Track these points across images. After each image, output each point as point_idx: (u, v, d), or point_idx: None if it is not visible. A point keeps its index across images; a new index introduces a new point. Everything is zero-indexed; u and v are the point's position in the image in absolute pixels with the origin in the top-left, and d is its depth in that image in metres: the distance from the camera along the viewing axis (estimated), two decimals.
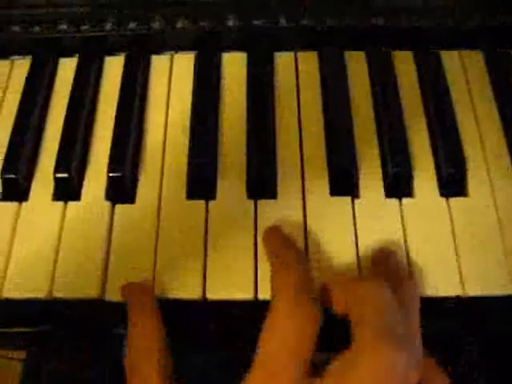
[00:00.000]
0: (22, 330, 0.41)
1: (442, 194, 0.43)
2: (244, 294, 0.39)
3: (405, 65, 0.49)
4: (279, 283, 0.35)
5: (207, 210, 0.42)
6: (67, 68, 0.50)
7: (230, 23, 0.49)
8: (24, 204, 0.44)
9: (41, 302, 0.40)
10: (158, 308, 0.38)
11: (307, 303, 0.34)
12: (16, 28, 0.49)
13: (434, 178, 0.44)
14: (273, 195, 0.43)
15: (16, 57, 0.51)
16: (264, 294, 0.39)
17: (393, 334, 0.31)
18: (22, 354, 1.10)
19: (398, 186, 0.43)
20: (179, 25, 0.49)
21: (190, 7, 0.49)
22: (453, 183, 0.44)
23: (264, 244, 0.41)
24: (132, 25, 0.49)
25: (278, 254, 0.39)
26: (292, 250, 0.39)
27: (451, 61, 0.50)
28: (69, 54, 0.51)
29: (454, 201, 0.43)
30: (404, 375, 0.31)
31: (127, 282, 0.40)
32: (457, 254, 0.41)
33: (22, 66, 0.50)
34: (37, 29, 0.50)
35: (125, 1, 0.49)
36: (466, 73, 0.49)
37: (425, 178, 0.44)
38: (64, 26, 0.49)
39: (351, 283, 0.36)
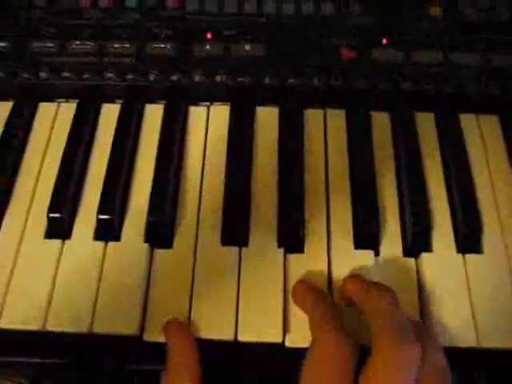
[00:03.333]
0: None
1: (458, 251, 0.46)
2: (273, 338, 0.42)
3: (426, 126, 0.53)
4: (318, 325, 0.39)
5: (240, 257, 0.45)
6: (110, 113, 0.53)
7: (266, 80, 0.52)
8: (66, 242, 0.47)
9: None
10: (196, 346, 0.41)
11: (346, 342, 0.37)
12: (65, 74, 0.53)
13: (452, 235, 0.47)
14: (301, 247, 0.46)
15: (62, 100, 0.55)
16: (292, 339, 0.42)
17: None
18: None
19: (417, 243, 0.46)
20: (217, 79, 0.52)
21: (228, 63, 0.53)
22: (469, 242, 0.47)
23: (294, 296, 0.44)
24: (174, 77, 0.53)
25: (314, 307, 0.41)
26: (326, 301, 0.42)
27: (469, 124, 0.53)
28: (112, 100, 0.54)
29: (469, 257, 0.46)
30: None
31: (165, 320, 0.42)
32: (472, 307, 0.44)
33: (67, 109, 0.54)
34: (85, 76, 0.53)
35: (167, 55, 0.53)
36: (482, 135, 0.53)
37: (443, 235, 0.47)
38: (110, 75, 0.53)
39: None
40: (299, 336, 0.42)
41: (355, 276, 0.44)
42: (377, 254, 0.46)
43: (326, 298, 0.42)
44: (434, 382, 0.37)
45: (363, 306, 0.40)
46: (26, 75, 0.54)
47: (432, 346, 0.38)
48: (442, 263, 0.46)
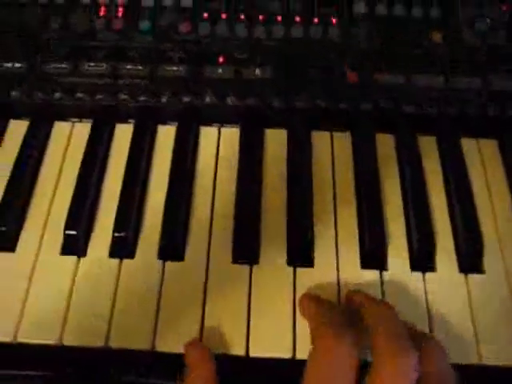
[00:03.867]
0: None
1: (461, 270, 0.48)
2: (283, 353, 0.44)
3: (429, 148, 0.55)
4: (317, 328, 0.41)
5: (251, 274, 0.47)
6: (124, 133, 0.55)
7: (275, 103, 0.54)
8: (82, 259, 0.48)
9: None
10: (213, 361, 0.42)
11: (346, 341, 0.38)
12: (80, 94, 0.55)
13: (454, 255, 0.49)
14: (310, 264, 0.48)
15: (76, 120, 0.56)
16: (302, 354, 0.43)
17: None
18: None
19: (422, 261, 0.48)
20: (228, 101, 0.54)
21: (238, 86, 0.55)
22: (471, 261, 0.48)
23: (300, 307, 0.45)
24: (186, 98, 0.54)
25: (315, 313, 0.43)
26: (331, 309, 0.44)
27: (470, 148, 0.55)
28: (125, 121, 0.56)
29: (471, 277, 0.48)
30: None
31: (177, 336, 0.44)
32: (474, 325, 0.45)
33: (81, 129, 0.55)
34: (99, 96, 0.55)
35: (179, 77, 0.55)
36: (482, 159, 0.55)
37: (446, 255, 0.49)
38: (124, 96, 0.55)
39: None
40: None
41: (359, 292, 0.45)
42: (384, 269, 0.48)
43: (330, 307, 0.43)
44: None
45: (364, 313, 0.42)
46: (40, 95, 0.56)
47: (435, 354, 0.40)
48: (445, 282, 0.47)
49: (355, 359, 0.38)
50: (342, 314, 0.43)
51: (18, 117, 0.56)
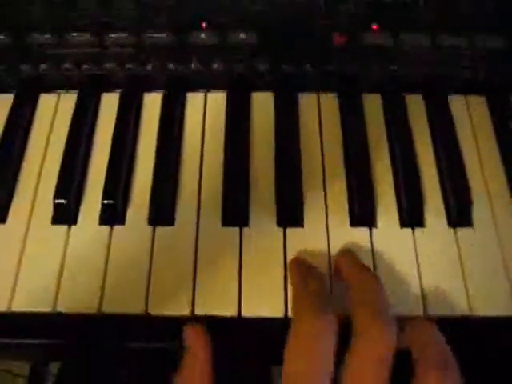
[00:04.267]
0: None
1: (450, 225, 0.49)
2: (275, 312, 0.44)
3: (416, 107, 0.55)
4: (299, 297, 0.41)
5: (241, 236, 0.47)
6: (110, 102, 0.55)
7: (261, 67, 0.54)
8: (73, 227, 0.48)
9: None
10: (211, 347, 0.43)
11: (325, 311, 0.39)
12: (66, 65, 0.54)
13: (443, 211, 0.49)
14: (300, 224, 0.48)
15: (62, 91, 0.56)
16: None
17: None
18: (25, 370, 1.14)
19: (411, 218, 0.48)
20: (214, 66, 0.54)
21: (224, 51, 0.54)
22: (460, 216, 0.49)
23: (289, 272, 0.46)
24: (171, 65, 0.54)
25: (298, 276, 0.44)
26: (311, 270, 0.44)
27: (458, 105, 0.55)
28: (112, 90, 0.56)
29: (460, 231, 0.48)
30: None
31: (169, 299, 0.44)
32: (464, 279, 0.46)
33: (68, 100, 0.55)
34: (85, 66, 0.54)
35: (164, 44, 0.55)
36: (471, 116, 0.55)
37: (435, 211, 0.49)
38: (109, 65, 0.54)
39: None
40: None
41: (348, 252, 0.46)
42: (373, 226, 0.48)
43: (313, 276, 0.43)
44: (434, 374, 0.37)
45: (348, 279, 0.43)
46: (25, 67, 0.55)
47: (426, 326, 0.41)
48: (434, 238, 0.48)
49: (331, 336, 0.38)
50: (322, 287, 0.42)
51: (3, 90, 0.56)
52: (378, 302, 0.40)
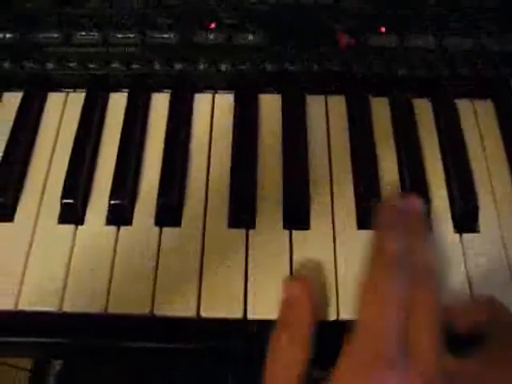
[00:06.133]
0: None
1: (456, 229, 0.48)
2: None
3: (423, 110, 0.55)
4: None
5: (247, 238, 0.47)
6: (118, 102, 0.55)
7: (268, 68, 0.54)
8: (80, 227, 0.48)
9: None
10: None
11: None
12: (72, 64, 0.54)
13: (449, 215, 0.49)
14: (306, 226, 0.48)
15: (69, 90, 0.56)
16: None
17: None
18: (29, 364, 1.14)
19: None
20: (221, 67, 0.54)
21: (231, 52, 0.54)
22: (466, 221, 0.49)
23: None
24: (178, 65, 0.54)
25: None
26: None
27: (465, 109, 0.55)
28: (119, 90, 0.56)
29: (467, 236, 0.48)
30: None
31: (175, 300, 0.44)
32: (469, 281, 0.46)
33: (75, 99, 0.55)
34: (91, 66, 0.54)
35: (171, 44, 0.55)
36: (478, 120, 0.55)
37: (441, 215, 0.49)
38: (116, 64, 0.54)
39: None
40: None
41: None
42: None
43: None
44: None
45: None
46: (32, 66, 0.55)
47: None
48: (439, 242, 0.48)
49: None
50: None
51: (10, 89, 0.56)
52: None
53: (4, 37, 0.56)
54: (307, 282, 0.43)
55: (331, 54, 0.55)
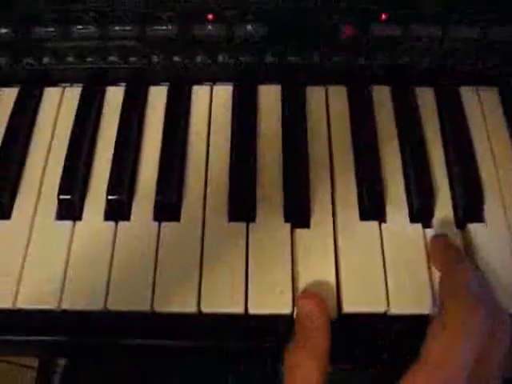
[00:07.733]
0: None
1: (458, 221, 0.48)
2: (282, 309, 0.43)
3: (427, 99, 0.54)
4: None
5: (247, 232, 0.46)
6: (115, 96, 0.54)
7: (268, 59, 0.53)
8: (78, 223, 0.48)
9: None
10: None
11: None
12: (69, 59, 0.54)
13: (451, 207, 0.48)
14: (307, 220, 0.47)
15: (66, 84, 0.55)
16: None
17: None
18: (34, 362, 1.14)
19: (422, 214, 0.47)
20: (220, 59, 0.53)
21: (230, 43, 0.53)
22: (471, 211, 0.48)
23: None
24: (176, 58, 0.53)
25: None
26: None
27: (469, 96, 0.54)
28: (116, 83, 0.55)
29: (472, 226, 0.47)
30: None
31: (175, 296, 0.44)
32: None
33: (72, 93, 0.54)
34: (89, 59, 0.54)
35: (169, 36, 0.54)
36: (482, 107, 0.54)
37: (444, 207, 0.48)
38: (114, 58, 0.53)
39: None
40: None
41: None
42: (383, 221, 0.47)
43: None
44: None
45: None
46: (29, 61, 0.55)
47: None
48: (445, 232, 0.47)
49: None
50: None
51: (7, 84, 0.55)
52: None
53: (0, 32, 0.55)
54: (319, 297, 0.42)
55: (332, 44, 0.53)
